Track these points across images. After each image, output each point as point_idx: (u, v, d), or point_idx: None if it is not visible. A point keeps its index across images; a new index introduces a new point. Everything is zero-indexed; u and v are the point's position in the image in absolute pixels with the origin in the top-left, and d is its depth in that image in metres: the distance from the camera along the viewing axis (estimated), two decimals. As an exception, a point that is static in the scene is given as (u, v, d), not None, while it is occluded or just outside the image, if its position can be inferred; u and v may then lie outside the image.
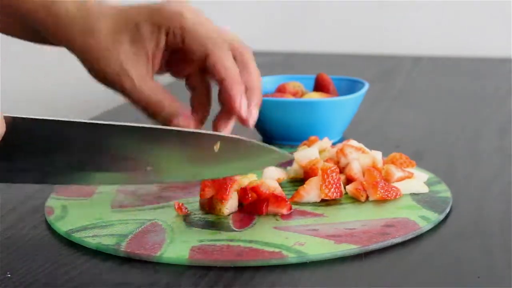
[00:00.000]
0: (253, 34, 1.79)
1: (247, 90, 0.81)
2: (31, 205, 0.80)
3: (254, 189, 0.74)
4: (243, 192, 0.75)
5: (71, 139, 0.71)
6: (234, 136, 0.75)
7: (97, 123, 0.71)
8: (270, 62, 1.64)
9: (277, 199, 0.74)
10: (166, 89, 0.81)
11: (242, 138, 0.75)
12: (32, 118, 0.69)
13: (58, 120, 0.70)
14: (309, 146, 0.85)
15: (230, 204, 0.74)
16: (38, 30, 0.84)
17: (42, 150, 0.70)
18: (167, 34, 0.80)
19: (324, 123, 0.96)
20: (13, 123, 0.67)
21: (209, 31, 0.81)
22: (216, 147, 0.74)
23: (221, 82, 0.80)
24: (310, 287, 0.64)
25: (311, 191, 0.76)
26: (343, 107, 0.97)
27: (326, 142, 0.85)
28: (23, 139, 0.69)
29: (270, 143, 0.85)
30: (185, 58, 0.82)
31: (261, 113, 0.82)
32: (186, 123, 0.79)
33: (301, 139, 0.90)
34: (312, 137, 0.86)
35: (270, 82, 1.04)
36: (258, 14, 1.79)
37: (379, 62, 1.61)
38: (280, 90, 1.01)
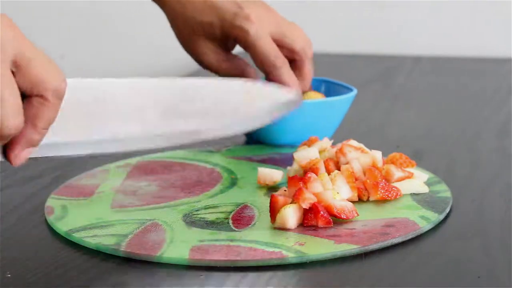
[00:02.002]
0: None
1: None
2: (31, 205, 0.80)
3: (327, 208, 0.72)
4: (315, 209, 0.72)
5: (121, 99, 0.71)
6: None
7: (142, 81, 0.73)
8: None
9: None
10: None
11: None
12: (86, 80, 0.69)
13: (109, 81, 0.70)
14: (309, 146, 0.85)
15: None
16: None
17: (94, 115, 0.69)
18: (234, 42, 0.92)
19: (308, 125, 0.95)
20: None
21: (271, 50, 0.91)
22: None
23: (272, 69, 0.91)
24: (310, 287, 0.64)
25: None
26: (327, 110, 0.96)
27: (326, 142, 0.85)
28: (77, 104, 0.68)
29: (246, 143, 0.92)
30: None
31: None
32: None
33: (285, 140, 0.93)
34: (312, 137, 0.86)
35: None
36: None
37: (379, 62, 1.61)
38: None
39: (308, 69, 0.95)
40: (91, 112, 0.69)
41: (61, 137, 0.68)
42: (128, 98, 0.71)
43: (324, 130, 0.98)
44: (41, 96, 0.61)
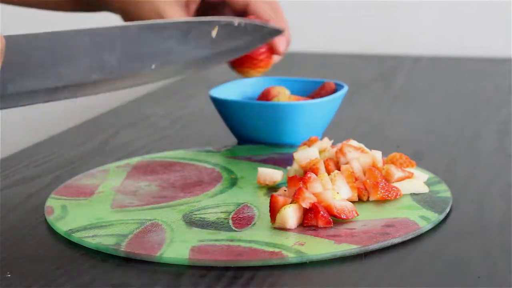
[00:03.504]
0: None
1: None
2: (31, 205, 0.80)
3: (327, 208, 0.73)
4: (315, 209, 0.72)
5: (76, 48, 0.71)
6: (228, 18, 0.78)
7: (97, 28, 0.72)
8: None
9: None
10: None
11: (236, 19, 0.80)
12: (32, 34, 0.69)
13: (60, 32, 0.70)
14: (309, 146, 0.85)
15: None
16: None
17: (47, 65, 0.70)
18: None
19: (287, 126, 0.95)
20: (13, 42, 0.66)
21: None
22: (214, 32, 0.75)
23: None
24: (310, 287, 0.64)
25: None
26: (305, 111, 0.95)
27: (326, 142, 0.85)
28: (26, 57, 0.68)
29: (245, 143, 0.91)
30: (219, 11, 0.85)
31: (231, 114, 0.93)
32: None
33: (270, 141, 0.94)
34: (312, 137, 0.87)
35: (264, 83, 1.05)
36: (258, 14, 1.79)
37: (379, 62, 1.61)
38: (264, 93, 1.02)
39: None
40: (46, 62, 0.70)
41: (19, 87, 0.69)
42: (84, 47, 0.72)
43: (320, 128, 0.98)
44: None
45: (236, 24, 0.77)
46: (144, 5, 0.84)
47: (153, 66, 0.74)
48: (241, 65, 0.90)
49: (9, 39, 0.65)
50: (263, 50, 0.91)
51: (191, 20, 0.76)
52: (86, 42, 0.71)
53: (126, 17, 0.86)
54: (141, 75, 0.73)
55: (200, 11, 0.87)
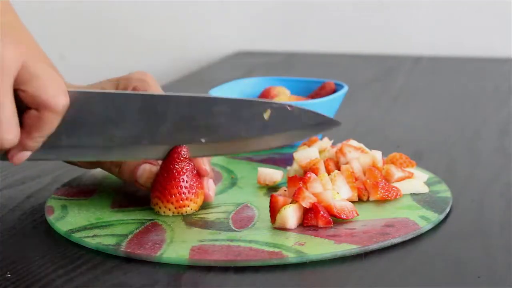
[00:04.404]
0: (253, 34, 1.80)
1: None
2: (31, 205, 0.80)
3: (327, 208, 0.72)
4: (315, 209, 0.72)
5: (128, 111, 0.72)
6: (284, 102, 0.76)
7: (154, 95, 0.73)
8: (270, 62, 1.64)
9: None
10: None
11: (292, 104, 0.76)
12: (91, 92, 0.70)
13: (115, 93, 0.72)
14: (309, 146, 0.85)
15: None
16: None
17: (101, 124, 0.71)
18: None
19: None
20: (76, 97, 0.67)
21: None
22: (266, 114, 0.75)
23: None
24: (310, 287, 0.64)
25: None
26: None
27: (326, 142, 0.85)
28: (83, 114, 0.70)
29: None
30: None
31: None
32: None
33: None
34: (312, 137, 0.86)
35: (263, 83, 1.05)
36: (258, 14, 1.79)
37: (379, 62, 1.61)
38: (264, 93, 1.02)
39: None
40: (94, 121, 0.71)
41: (64, 141, 0.70)
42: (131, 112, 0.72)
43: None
44: (39, 111, 0.64)
45: (289, 108, 0.77)
46: None
47: (203, 140, 0.75)
48: (152, 194, 0.76)
49: (71, 94, 0.66)
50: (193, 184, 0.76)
51: (243, 99, 0.76)
52: (138, 106, 0.72)
53: None
54: (190, 147, 0.74)
55: None
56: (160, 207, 0.75)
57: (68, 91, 0.66)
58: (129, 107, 0.72)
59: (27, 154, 0.67)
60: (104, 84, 0.85)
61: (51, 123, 0.65)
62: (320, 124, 0.76)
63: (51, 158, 0.72)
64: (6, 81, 0.62)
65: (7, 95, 0.62)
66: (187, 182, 0.74)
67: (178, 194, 0.74)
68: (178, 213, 0.74)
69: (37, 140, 0.66)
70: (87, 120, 0.71)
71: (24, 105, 0.64)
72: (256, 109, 0.75)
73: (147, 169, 0.77)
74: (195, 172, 0.75)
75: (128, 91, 0.72)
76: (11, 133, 0.63)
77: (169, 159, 0.74)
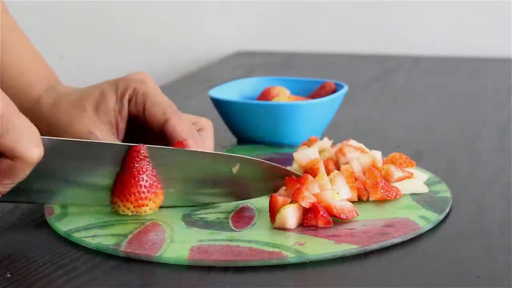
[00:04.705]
0: (253, 34, 1.80)
1: None
2: (31, 205, 0.80)
3: (327, 208, 0.72)
4: (315, 209, 0.72)
5: (103, 160, 0.73)
6: (252, 158, 0.78)
7: (126, 145, 0.74)
8: (270, 62, 1.64)
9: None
10: None
11: (260, 160, 0.77)
12: (66, 140, 0.72)
13: (90, 142, 0.73)
14: (309, 146, 0.85)
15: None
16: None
17: (72, 170, 0.73)
18: (129, 101, 0.83)
19: (288, 126, 0.95)
20: (49, 145, 0.69)
21: (168, 101, 0.84)
22: (235, 169, 0.75)
23: (181, 144, 0.81)
24: (310, 287, 0.64)
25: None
26: (305, 111, 0.96)
27: (326, 142, 0.85)
28: (55, 160, 0.71)
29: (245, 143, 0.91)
30: (143, 127, 0.83)
31: (231, 114, 0.93)
32: None
33: (271, 141, 0.95)
34: (312, 137, 0.87)
35: (262, 83, 1.05)
36: (258, 14, 1.79)
37: (379, 62, 1.61)
38: (264, 93, 1.02)
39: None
40: (65, 168, 0.73)
41: (34, 186, 0.72)
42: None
43: (320, 128, 0.98)
44: (13, 160, 0.65)
45: (258, 164, 0.78)
46: (76, 123, 0.84)
47: (171, 190, 0.76)
48: (112, 193, 0.75)
49: (44, 142, 0.68)
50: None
51: (213, 153, 0.78)
52: (108, 154, 0.74)
53: (56, 132, 0.85)
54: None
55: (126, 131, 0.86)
56: (119, 206, 0.74)
57: (43, 138, 0.67)
58: (103, 155, 0.73)
59: None
60: (103, 86, 0.85)
61: (23, 172, 0.66)
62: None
63: (19, 200, 0.73)
64: None
65: None
66: (146, 181, 0.74)
67: (137, 193, 0.74)
68: (136, 212, 0.74)
69: (7, 186, 0.67)
70: (58, 166, 0.72)
71: None
72: (226, 164, 0.77)
73: None
74: (154, 171, 0.75)
75: (99, 141, 0.73)
76: None
77: (128, 158, 0.74)
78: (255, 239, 0.69)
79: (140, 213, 0.74)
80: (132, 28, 1.84)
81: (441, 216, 0.74)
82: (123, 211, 0.74)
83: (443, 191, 0.79)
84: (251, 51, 1.76)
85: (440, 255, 0.67)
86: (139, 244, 0.69)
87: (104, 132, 0.83)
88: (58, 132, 0.84)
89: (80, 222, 0.74)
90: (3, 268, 0.66)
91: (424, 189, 0.79)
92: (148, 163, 0.74)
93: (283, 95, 1.00)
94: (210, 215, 0.75)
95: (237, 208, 0.77)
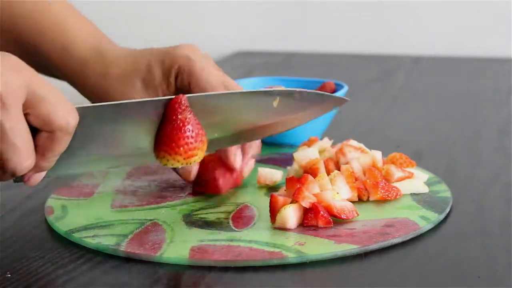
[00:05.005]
0: (253, 34, 1.80)
1: (243, 146, 0.82)
2: (31, 205, 0.80)
3: (327, 208, 0.73)
4: (315, 209, 0.72)
5: (140, 119, 0.72)
6: (290, 89, 0.77)
7: (164, 98, 0.72)
8: (270, 62, 1.64)
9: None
10: None
11: (298, 89, 0.77)
12: (99, 105, 0.70)
13: (125, 102, 0.71)
14: (309, 146, 0.85)
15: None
16: (50, 69, 0.86)
17: (111, 134, 0.72)
18: (176, 78, 0.82)
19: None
20: (83, 113, 0.67)
21: (213, 79, 0.82)
22: (276, 102, 0.75)
23: None
24: (310, 287, 0.64)
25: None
26: None
27: (326, 142, 0.85)
28: (92, 127, 0.70)
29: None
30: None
31: None
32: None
33: (271, 141, 0.94)
34: (312, 137, 0.87)
35: (261, 83, 1.05)
36: (258, 14, 1.79)
37: (379, 62, 1.61)
38: None
39: None
40: (105, 133, 0.72)
41: (77, 155, 0.70)
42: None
43: (320, 128, 0.98)
44: (50, 132, 0.64)
45: (297, 95, 0.77)
46: (123, 99, 0.83)
47: (216, 135, 0.76)
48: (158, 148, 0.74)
49: (79, 111, 0.67)
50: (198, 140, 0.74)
51: (253, 91, 0.77)
52: (147, 112, 0.72)
53: (97, 99, 0.84)
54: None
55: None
56: (168, 160, 0.72)
57: (76, 108, 0.67)
58: (138, 115, 0.72)
59: (42, 174, 0.68)
60: (150, 59, 0.82)
61: (63, 143, 0.66)
62: (327, 101, 0.77)
63: (65, 172, 0.72)
64: (16, 108, 0.62)
65: (20, 122, 0.63)
66: (192, 131, 0.73)
67: (186, 145, 0.73)
68: (186, 163, 0.73)
69: (51, 160, 0.66)
70: (96, 132, 0.71)
71: (33, 127, 0.64)
72: (265, 98, 0.76)
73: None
74: (197, 119, 0.73)
75: (134, 100, 0.72)
76: (29, 159, 0.64)
77: (170, 110, 0.72)
78: (255, 239, 0.69)
79: (190, 163, 0.73)
80: (132, 28, 1.84)
81: (441, 216, 0.74)
82: (172, 164, 0.72)
83: (443, 191, 0.79)
84: (251, 51, 1.76)
85: (440, 255, 0.67)
86: (139, 244, 0.69)
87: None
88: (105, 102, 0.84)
89: (80, 222, 0.74)
90: (3, 268, 0.66)
91: (424, 189, 0.79)
92: (190, 112, 0.73)
93: None
94: (210, 215, 0.75)
95: (237, 208, 0.77)
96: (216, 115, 0.75)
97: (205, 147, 0.73)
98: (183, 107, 0.72)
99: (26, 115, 0.63)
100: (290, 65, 1.64)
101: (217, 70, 0.83)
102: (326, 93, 0.80)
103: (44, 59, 0.86)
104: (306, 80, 1.05)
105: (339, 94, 0.98)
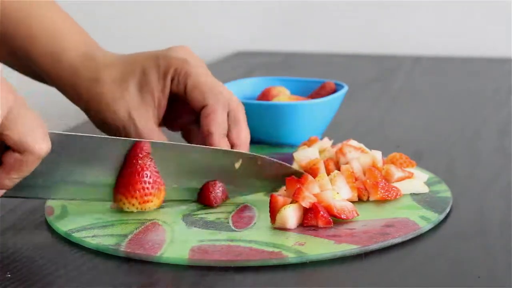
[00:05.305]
0: (253, 34, 1.80)
1: (234, 146, 0.83)
2: (31, 205, 0.80)
3: (327, 208, 0.73)
4: (315, 209, 0.72)
5: (108, 154, 0.73)
6: (254, 154, 0.78)
7: (129, 140, 0.74)
8: (270, 62, 1.64)
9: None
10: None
11: (262, 156, 0.78)
12: (72, 134, 0.71)
13: (97, 136, 0.73)
14: (309, 146, 0.85)
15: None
16: (41, 75, 0.86)
17: (78, 164, 0.73)
18: (172, 80, 0.83)
19: (288, 126, 0.96)
20: (54, 139, 0.69)
21: (210, 82, 0.83)
22: (237, 164, 0.76)
23: (207, 135, 0.82)
24: (310, 287, 0.64)
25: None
26: (305, 111, 0.96)
27: (326, 142, 0.85)
28: (61, 154, 0.71)
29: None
30: (181, 108, 0.83)
31: None
32: None
33: (271, 141, 0.95)
34: (312, 137, 0.87)
35: (261, 83, 1.05)
36: (258, 14, 1.79)
37: (379, 62, 1.61)
38: (264, 93, 1.02)
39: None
40: (70, 162, 0.73)
41: (39, 181, 0.72)
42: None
43: (320, 128, 0.98)
44: (22, 154, 0.65)
45: (259, 162, 0.78)
46: (117, 105, 0.83)
47: (174, 186, 0.77)
48: (116, 190, 0.75)
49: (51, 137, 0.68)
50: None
51: (215, 148, 0.78)
52: (113, 150, 0.74)
53: (91, 112, 0.85)
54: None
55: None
56: (124, 203, 0.74)
57: (49, 133, 0.67)
58: (107, 150, 0.73)
59: (1, 192, 0.68)
60: (144, 62, 0.83)
61: (31, 166, 0.67)
62: (287, 176, 0.77)
63: (23, 196, 0.73)
64: None
65: None
66: (150, 177, 0.74)
67: (142, 190, 0.74)
68: (141, 209, 0.74)
69: (14, 180, 0.67)
70: (64, 159, 0.72)
71: (3, 145, 0.65)
72: (228, 159, 0.77)
73: None
74: (156, 168, 0.75)
75: (103, 136, 0.73)
76: None
77: (132, 154, 0.74)
78: (255, 239, 0.69)
79: (145, 209, 0.74)
80: (132, 28, 1.84)
81: (441, 216, 0.74)
82: (128, 208, 0.74)
83: (443, 191, 0.79)
84: (251, 51, 1.76)
85: (440, 255, 0.67)
86: (139, 244, 0.69)
87: (143, 117, 0.82)
88: (98, 108, 0.84)
89: (80, 222, 0.74)
90: (3, 268, 0.66)
91: (424, 189, 0.79)
92: (150, 159, 0.74)
93: (283, 95, 1.00)
94: (210, 215, 0.75)
95: (237, 208, 0.77)
96: (176, 166, 0.76)
97: (161, 195, 0.75)
98: (144, 153, 0.74)
99: (0, 134, 0.64)
100: (290, 65, 1.64)
101: (211, 75, 0.84)
102: (286, 164, 0.80)
103: (35, 65, 0.86)
104: (306, 80, 1.05)
105: (339, 94, 0.98)
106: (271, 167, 0.78)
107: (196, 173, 0.77)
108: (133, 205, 0.74)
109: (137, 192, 0.74)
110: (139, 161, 0.74)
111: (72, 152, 0.72)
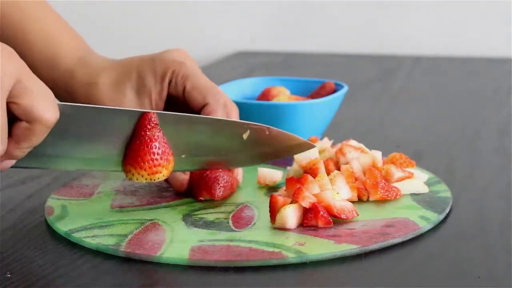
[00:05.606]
0: (253, 34, 1.80)
1: None
2: (31, 205, 0.80)
3: (327, 208, 0.73)
4: (315, 209, 0.72)
5: (115, 127, 0.73)
6: (262, 125, 0.77)
7: (137, 111, 0.73)
8: (270, 62, 1.64)
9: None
10: None
11: (270, 127, 0.77)
12: (80, 106, 0.71)
13: (105, 108, 0.72)
14: (309, 146, 0.85)
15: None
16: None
17: (86, 136, 0.72)
18: (169, 83, 0.82)
19: (287, 126, 0.95)
20: (63, 110, 0.68)
21: (208, 82, 0.83)
22: (245, 135, 0.75)
23: None
24: (310, 287, 0.64)
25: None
26: (305, 111, 0.96)
27: (326, 142, 0.85)
28: (69, 126, 0.70)
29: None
30: (177, 110, 0.83)
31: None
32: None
33: None
34: (312, 137, 0.87)
35: (261, 83, 1.05)
36: (258, 14, 1.79)
37: (379, 62, 1.61)
38: (264, 93, 1.02)
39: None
40: (79, 133, 0.72)
41: (49, 151, 0.71)
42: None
43: (320, 128, 0.98)
44: (30, 123, 0.65)
45: (267, 132, 0.78)
46: (102, 91, 0.83)
47: (183, 156, 0.76)
48: (125, 161, 0.75)
49: (60, 107, 0.68)
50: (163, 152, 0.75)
51: (224, 120, 0.78)
52: (123, 121, 0.73)
53: (76, 97, 0.84)
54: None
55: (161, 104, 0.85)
56: (133, 174, 0.74)
57: (58, 104, 0.67)
58: (115, 122, 0.73)
59: (12, 162, 0.68)
60: (140, 66, 0.83)
61: (40, 135, 0.66)
62: (294, 146, 0.77)
63: (34, 166, 0.72)
64: (0, 95, 0.62)
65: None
66: (159, 148, 0.74)
67: (151, 161, 0.74)
68: (151, 179, 0.74)
69: (24, 150, 0.67)
70: (72, 131, 0.71)
71: (13, 115, 0.65)
72: (236, 129, 0.77)
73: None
74: (165, 138, 0.74)
75: (112, 107, 0.73)
76: (1, 145, 0.64)
77: (140, 125, 0.73)
78: (255, 239, 0.69)
79: (154, 180, 0.74)
80: (132, 28, 1.84)
81: (441, 216, 0.74)
82: (137, 179, 0.74)
83: (443, 191, 0.79)
84: (251, 51, 1.77)
85: (440, 255, 0.68)
86: (139, 244, 0.69)
87: (131, 100, 0.82)
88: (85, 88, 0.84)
89: (80, 222, 0.74)
90: (3, 268, 0.66)
91: (424, 189, 0.79)
92: (159, 130, 0.74)
93: (283, 95, 1.00)
94: (210, 215, 0.75)
95: (237, 208, 0.77)
96: (185, 137, 0.76)
97: (170, 166, 0.75)
98: (152, 124, 0.73)
99: (9, 103, 0.64)
100: (290, 65, 1.64)
101: (204, 74, 0.84)
102: (295, 135, 0.80)
103: (31, 70, 0.86)
104: (306, 80, 1.05)
105: (339, 94, 0.98)
106: (278, 137, 0.78)
107: (204, 144, 0.77)
108: (142, 176, 0.74)
109: (146, 163, 0.73)
110: (148, 133, 0.73)
111: (80, 123, 0.71)
